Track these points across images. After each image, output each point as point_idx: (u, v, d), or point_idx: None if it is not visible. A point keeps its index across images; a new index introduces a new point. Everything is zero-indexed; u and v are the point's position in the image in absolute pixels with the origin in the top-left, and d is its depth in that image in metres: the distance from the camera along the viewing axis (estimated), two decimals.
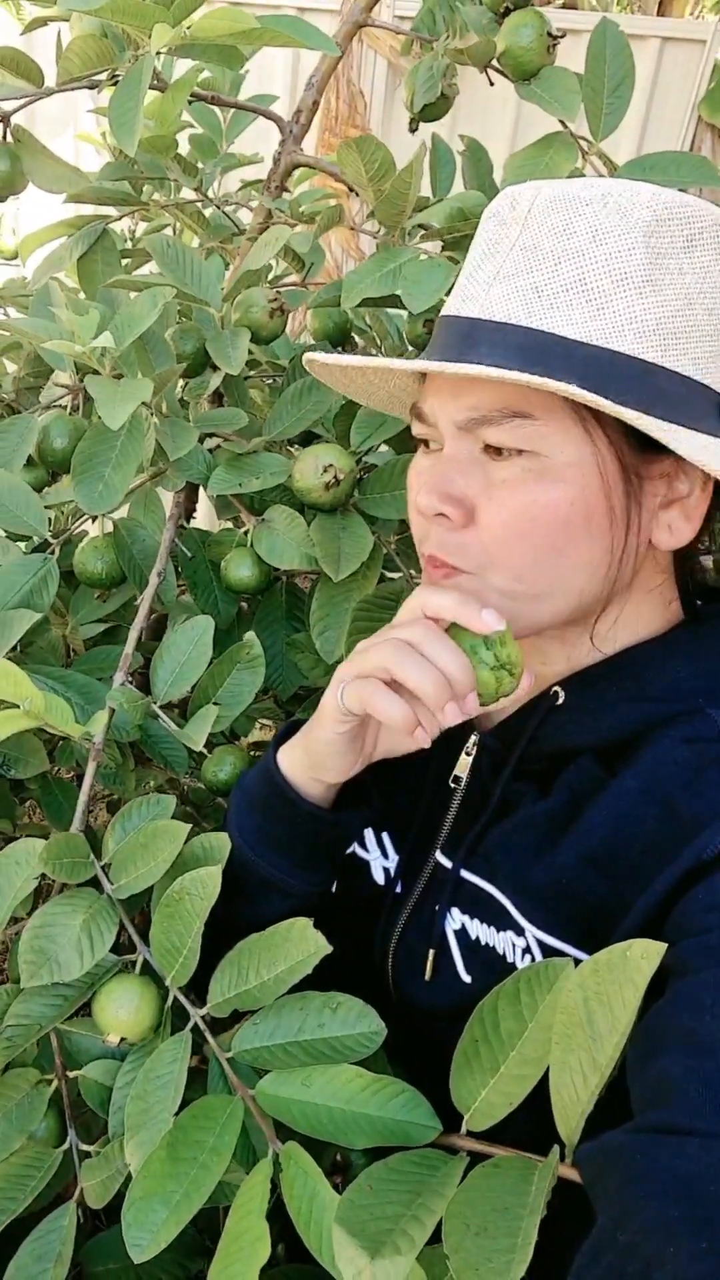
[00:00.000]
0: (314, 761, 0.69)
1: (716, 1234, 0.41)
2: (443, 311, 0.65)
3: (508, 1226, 0.49)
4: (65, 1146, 0.70)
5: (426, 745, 0.61)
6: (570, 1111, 0.52)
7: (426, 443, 0.68)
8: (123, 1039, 0.67)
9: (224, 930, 0.68)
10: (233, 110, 1.25)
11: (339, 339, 1.13)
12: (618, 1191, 0.45)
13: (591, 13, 3.78)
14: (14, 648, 0.95)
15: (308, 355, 0.71)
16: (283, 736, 0.74)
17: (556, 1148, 0.53)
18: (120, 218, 1.16)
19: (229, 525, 1.03)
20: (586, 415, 0.59)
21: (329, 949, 0.64)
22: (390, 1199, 0.54)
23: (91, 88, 0.90)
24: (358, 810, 0.73)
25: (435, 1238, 0.52)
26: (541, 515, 0.60)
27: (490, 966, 0.67)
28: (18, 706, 0.72)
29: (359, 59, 3.25)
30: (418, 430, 0.67)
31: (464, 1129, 0.58)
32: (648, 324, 0.58)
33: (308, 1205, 0.58)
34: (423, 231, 0.94)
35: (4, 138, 0.98)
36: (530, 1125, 0.54)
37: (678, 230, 0.59)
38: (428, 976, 0.71)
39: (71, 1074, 0.72)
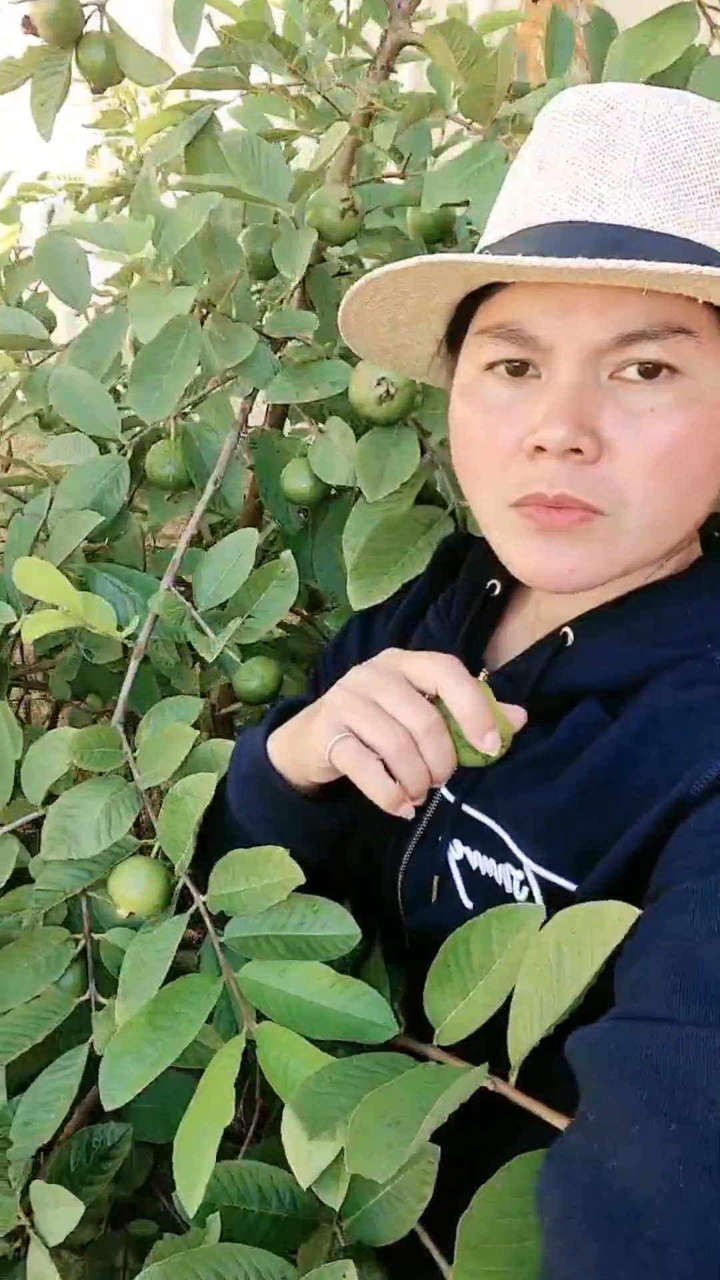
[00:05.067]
0: (301, 766, 0.69)
1: (684, 1117, 0.42)
2: (543, 219, 0.57)
3: (411, 1123, 0.52)
4: (85, 997, 0.79)
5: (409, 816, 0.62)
6: (521, 1040, 0.54)
7: (491, 366, 0.61)
8: (131, 913, 0.74)
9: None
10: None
11: (438, 236, 1.08)
12: (590, 1075, 0.47)
13: None
14: (102, 542, 1.01)
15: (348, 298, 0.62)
16: (275, 720, 0.74)
17: (485, 1064, 0.55)
18: (228, 103, 1.14)
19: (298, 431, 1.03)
20: None
21: (303, 880, 0.66)
22: (346, 1092, 0.58)
23: None
24: (350, 799, 0.73)
25: None
26: (696, 447, 0.56)
27: (490, 895, 0.68)
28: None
29: None
30: (503, 352, 0.59)
31: (435, 1041, 0.61)
32: None
33: (283, 1071, 0.62)
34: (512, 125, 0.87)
35: (101, 27, 0.98)
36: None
37: None
38: (434, 899, 0.73)
39: (97, 936, 0.80)
